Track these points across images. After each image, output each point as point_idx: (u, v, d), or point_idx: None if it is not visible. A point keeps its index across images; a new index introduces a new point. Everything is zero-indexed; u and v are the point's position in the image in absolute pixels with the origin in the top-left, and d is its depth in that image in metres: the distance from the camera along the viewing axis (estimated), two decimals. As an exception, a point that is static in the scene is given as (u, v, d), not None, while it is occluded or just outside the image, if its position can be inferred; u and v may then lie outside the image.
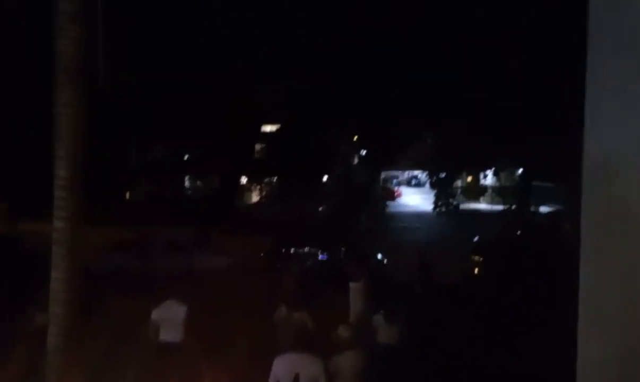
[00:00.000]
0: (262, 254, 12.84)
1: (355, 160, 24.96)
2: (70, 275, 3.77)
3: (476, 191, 31.19)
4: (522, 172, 21.64)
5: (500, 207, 24.88)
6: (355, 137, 22.83)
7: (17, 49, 10.48)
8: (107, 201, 14.58)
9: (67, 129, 3.70)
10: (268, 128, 23.99)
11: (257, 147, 24.65)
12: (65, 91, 3.71)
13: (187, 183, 25.17)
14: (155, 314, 5.71)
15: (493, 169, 25.77)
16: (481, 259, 12.10)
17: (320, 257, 12.60)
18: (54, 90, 3.77)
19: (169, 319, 5.67)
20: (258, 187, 26.09)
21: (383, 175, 33.64)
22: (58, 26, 3.68)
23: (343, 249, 12.62)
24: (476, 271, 11.94)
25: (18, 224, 12.73)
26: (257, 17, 14.76)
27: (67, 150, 3.70)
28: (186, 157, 22.59)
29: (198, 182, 25.37)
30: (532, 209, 21.48)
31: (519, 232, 16.61)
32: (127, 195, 20.70)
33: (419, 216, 26.13)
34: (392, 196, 33.71)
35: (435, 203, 25.07)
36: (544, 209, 22.13)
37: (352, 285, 6.83)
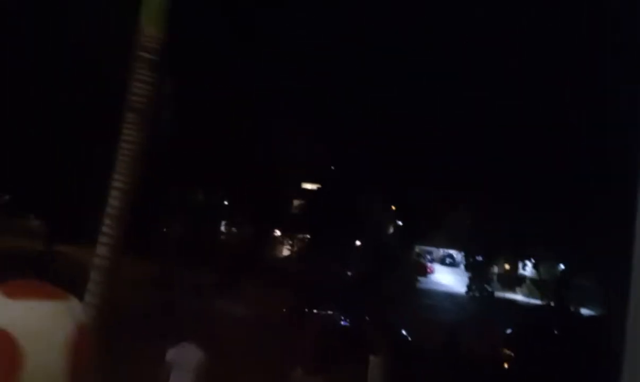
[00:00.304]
0: (284, 310, 12.63)
1: (391, 230, 24.72)
2: (102, 302, 3.83)
3: (513, 280, 29.95)
4: (564, 267, 20.66)
5: (536, 301, 23.67)
6: (394, 207, 22.74)
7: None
8: (142, 236, 14.95)
9: (127, 164, 3.92)
10: (308, 185, 24.35)
11: (295, 202, 24.95)
12: (132, 129, 3.97)
13: (222, 228, 25.57)
14: (169, 355, 5.61)
15: (533, 259, 24.80)
16: (512, 354, 11.38)
17: (342, 322, 12.24)
18: (120, 127, 4.03)
19: (182, 362, 5.54)
20: (290, 242, 26.13)
21: (417, 249, 33.01)
22: (134, 69, 4.00)
23: (367, 317, 12.23)
24: (506, 365, 11.21)
25: (53, 243, 13.14)
26: (307, 85, 15.38)
27: (124, 183, 3.90)
28: (224, 203, 23.10)
29: (233, 229, 25.72)
30: (572, 308, 20.29)
31: (556, 331, 15.62)
32: (163, 232, 21.21)
33: (450, 297, 25.18)
34: (425, 271, 32.89)
35: (469, 286, 24.19)
36: (584, 310, 20.85)
37: (373, 358, 6.55)
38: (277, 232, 25.44)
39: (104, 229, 3.87)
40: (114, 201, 3.89)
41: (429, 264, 36.31)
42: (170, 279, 12.41)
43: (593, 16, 10.57)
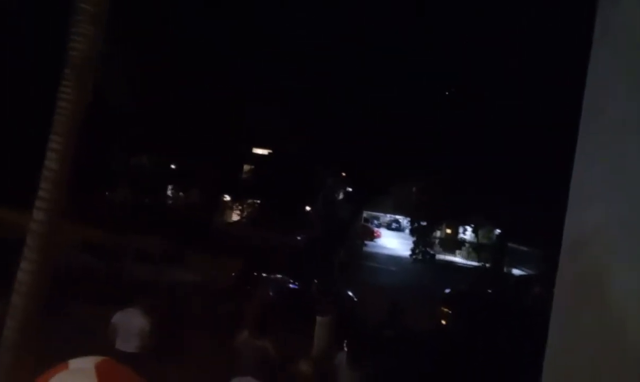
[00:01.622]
0: (232, 275, 12.64)
1: (340, 196, 25.10)
2: (38, 268, 3.66)
3: (453, 244, 31.53)
4: (499, 232, 22.00)
5: (474, 263, 25.15)
6: (343, 174, 23.03)
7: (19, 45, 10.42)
8: (85, 200, 14.30)
9: (65, 124, 3.69)
10: (258, 151, 24.04)
11: (245, 168, 24.62)
12: (70, 87, 3.72)
13: (169, 193, 24.88)
14: (115, 318, 5.54)
15: (472, 225, 26.16)
16: (450, 311, 12.12)
17: (291, 285, 12.45)
18: (58, 84, 3.77)
19: (127, 327, 5.49)
20: (240, 207, 25.93)
21: (365, 214, 33.81)
22: (73, 23, 3.71)
23: (315, 281, 12.51)
24: (444, 322, 11.93)
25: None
26: (252, 37, 15.02)
27: (62, 145, 3.67)
28: (171, 167, 22.41)
29: (180, 194, 25.09)
30: (505, 269, 21.76)
31: (489, 291, 16.75)
32: (106, 197, 20.35)
33: (395, 260, 26.19)
34: (372, 235, 33.82)
35: (413, 249, 25.23)
36: (516, 271, 22.43)
37: (319, 319, 6.73)
38: (226, 197, 25.13)
39: (41, 193, 3.66)
40: (51, 163, 3.68)
41: (376, 229, 37.37)
42: (115, 244, 12.01)
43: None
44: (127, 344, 5.34)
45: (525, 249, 21.08)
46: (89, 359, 0.83)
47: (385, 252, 29.45)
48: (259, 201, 24.30)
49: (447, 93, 16.16)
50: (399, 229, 41.31)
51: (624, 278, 1.30)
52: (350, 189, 24.37)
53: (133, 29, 11.13)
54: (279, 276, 12.89)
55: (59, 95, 3.79)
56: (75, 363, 0.82)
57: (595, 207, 1.36)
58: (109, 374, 0.79)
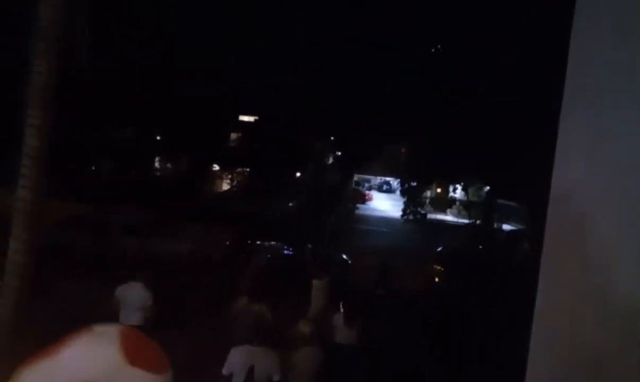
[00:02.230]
0: (226, 243, 12.72)
1: (330, 160, 25.07)
2: (29, 247, 3.65)
3: (444, 203, 31.84)
4: (489, 189, 22.27)
5: (465, 221, 25.52)
6: (332, 138, 22.93)
7: None
8: (70, 175, 14.12)
9: (40, 98, 3.60)
10: (245, 118, 23.76)
11: (233, 136, 24.37)
12: (42, 59, 3.60)
13: (156, 165, 24.64)
14: (118, 292, 5.63)
15: (461, 183, 26.38)
16: (442, 268, 12.38)
17: (285, 252, 12.59)
18: (31, 58, 3.65)
19: (130, 300, 5.58)
20: (229, 176, 25.81)
21: (356, 177, 33.91)
22: None
23: (309, 246, 12.65)
24: (437, 279, 12.21)
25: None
26: (233, 14, 14.70)
27: (39, 119, 3.59)
28: (156, 138, 22.10)
29: (167, 165, 24.87)
30: (495, 225, 22.12)
31: (480, 247, 17.09)
32: (92, 171, 20.12)
33: (387, 221, 26.48)
34: (363, 198, 34.02)
35: (404, 210, 25.46)
36: (506, 226, 22.83)
37: (315, 282, 6.87)
38: (216, 167, 24.98)
39: (23, 170, 3.61)
40: (31, 139, 3.61)
41: (367, 192, 37.57)
42: (104, 218, 11.95)
43: None
44: (130, 317, 5.43)
45: (514, 204, 21.43)
46: (113, 325, 0.87)
47: (377, 214, 29.73)
48: (248, 169, 24.21)
49: (431, 51, 16.01)
50: (389, 190, 41.55)
51: (608, 228, 1.34)
52: (339, 153, 24.35)
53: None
54: (272, 242, 13.00)
55: (31, 68, 3.66)
56: (99, 327, 0.85)
57: (579, 162, 1.39)
58: (131, 339, 0.82)
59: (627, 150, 1.27)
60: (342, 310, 6.14)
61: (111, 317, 5.45)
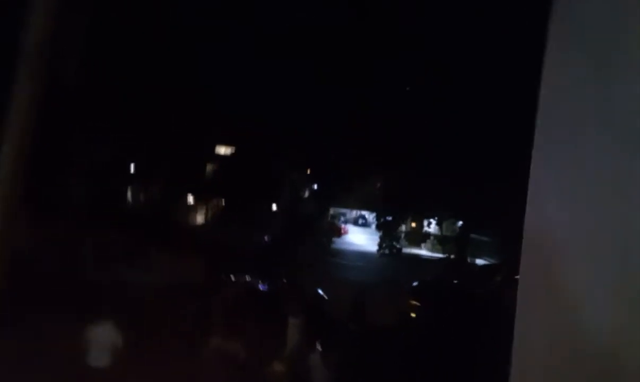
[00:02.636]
0: (198, 277, 12.40)
1: (306, 194, 25.09)
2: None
3: (419, 237, 32.11)
4: (462, 224, 22.61)
5: (439, 255, 25.72)
6: (308, 171, 23.03)
7: None
8: (41, 201, 13.66)
9: (20, 120, 3.51)
10: (221, 150, 23.68)
11: (208, 167, 24.19)
12: (26, 78, 3.54)
13: (129, 194, 24.13)
14: (87, 335, 5.39)
15: (436, 218, 26.73)
16: (418, 303, 12.35)
17: (260, 286, 12.34)
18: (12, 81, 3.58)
19: (99, 341, 5.35)
20: (204, 207, 25.46)
21: (331, 211, 33.92)
22: (25, 14, 3.54)
23: (284, 280, 12.45)
24: (413, 314, 12.15)
25: None
26: (217, 41, 14.89)
27: (16, 141, 3.50)
28: (131, 165, 21.74)
29: (140, 194, 24.39)
30: (469, 259, 22.37)
31: (455, 281, 17.18)
32: (63, 197, 19.55)
33: (362, 255, 26.42)
34: (338, 232, 33.95)
35: (380, 244, 25.52)
36: (479, 261, 23.12)
37: (291, 319, 6.72)
38: (190, 199, 24.63)
39: None
40: (4, 165, 3.49)
41: (343, 225, 37.55)
42: (76, 248, 11.53)
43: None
44: (98, 359, 5.20)
45: (486, 239, 21.77)
46: None
47: (353, 248, 29.67)
48: (223, 201, 23.96)
49: (407, 89, 16.48)
50: (365, 224, 41.68)
51: (581, 263, 1.36)
52: (315, 186, 24.44)
53: (94, 19, 10.75)
54: (247, 277, 12.75)
55: (15, 88, 3.57)
56: None
57: (552, 198, 1.42)
58: None
59: (599, 184, 1.30)
60: (318, 348, 6.01)
61: (81, 356, 5.20)
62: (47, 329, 6.77)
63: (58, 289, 9.23)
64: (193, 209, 25.51)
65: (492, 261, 20.92)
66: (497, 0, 11.02)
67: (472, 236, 22.22)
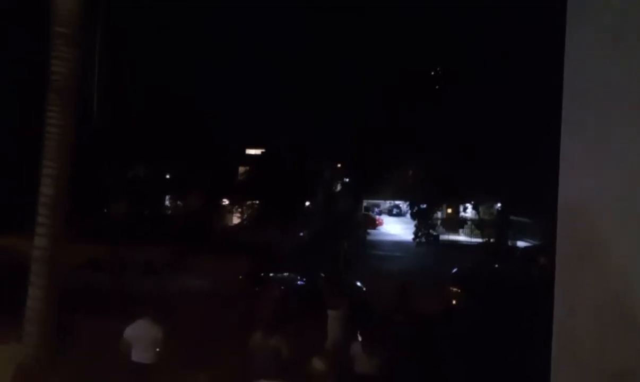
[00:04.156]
0: (240, 277, 12.67)
1: (339, 188, 25.12)
2: (47, 294, 3.69)
3: (455, 223, 31.55)
4: (500, 206, 22.08)
5: (478, 240, 25.21)
6: (339, 165, 23.04)
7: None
8: (85, 218, 14.32)
9: (56, 149, 3.69)
10: (252, 151, 24.02)
11: (241, 169, 24.61)
12: (56, 111, 3.72)
13: (167, 203, 24.89)
14: (127, 332, 5.59)
15: (472, 202, 26.20)
16: (459, 290, 12.17)
17: (299, 282, 12.48)
18: (45, 110, 3.77)
19: (141, 338, 5.54)
20: (239, 210, 25.93)
21: (365, 203, 33.84)
22: (52, 47, 3.71)
23: (322, 275, 12.55)
24: (454, 301, 11.99)
25: None
26: (242, 44, 15.12)
27: (54, 169, 3.68)
28: (167, 176, 22.43)
29: (178, 203, 25.09)
30: (510, 242, 21.83)
31: (496, 265, 16.81)
32: (106, 213, 20.39)
33: (399, 245, 26.24)
34: (374, 224, 33.86)
35: (416, 233, 25.25)
36: (520, 243, 22.51)
37: (330, 312, 6.78)
38: (225, 201, 25.14)
39: (40, 219, 3.68)
40: (47, 188, 3.69)
41: (377, 217, 37.41)
42: (120, 260, 12.06)
43: None
44: (143, 355, 5.39)
45: (527, 220, 21.16)
46: None
47: (389, 238, 29.51)
48: (258, 201, 24.32)
49: (436, 73, 16.21)
50: (400, 214, 41.31)
51: (619, 233, 1.33)
52: (348, 180, 24.42)
53: (119, 44, 11.17)
54: (286, 274, 12.91)
55: (47, 121, 3.76)
56: None
57: (584, 171, 1.40)
58: None
59: (629, 153, 1.28)
60: (360, 339, 6.04)
61: (124, 357, 5.43)
62: (99, 337, 7.10)
63: (108, 301, 9.67)
64: (230, 212, 26.05)
65: (534, 242, 20.34)
66: None
67: (512, 217, 21.66)
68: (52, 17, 3.77)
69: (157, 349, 5.52)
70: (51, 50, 3.76)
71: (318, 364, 4.87)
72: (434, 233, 25.93)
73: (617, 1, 1.30)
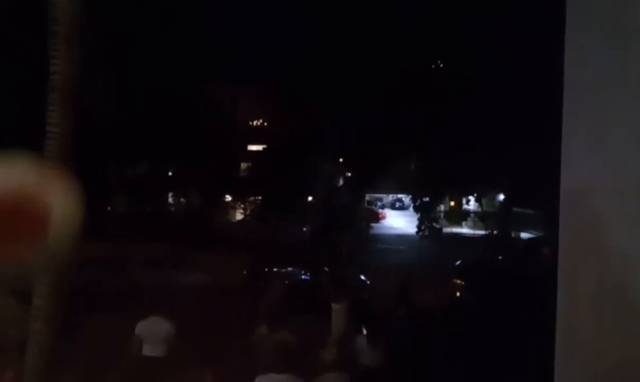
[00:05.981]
0: (244, 273, 12.72)
1: (341, 182, 25.11)
2: (54, 291, 3.72)
3: (459, 216, 31.53)
4: (503, 198, 22.05)
5: (481, 232, 25.20)
6: (341, 159, 23.03)
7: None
8: (88, 216, 14.34)
9: (57, 148, 3.72)
10: (253, 147, 24.02)
11: (242, 165, 24.63)
12: (57, 111, 3.74)
13: (169, 200, 24.96)
14: (138, 329, 5.68)
15: (475, 194, 26.16)
16: (463, 282, 12.19)
17: (302, 277, 12.53)
18: (45, 109, 3.80)
19: (152, 334, 5.62)
20: (242, 205, 25.98)
21: (367, 197, 33.83)
22: (51, 46, 3.72)
23: (326, 269, 12.58)
24: (458, 294, 12.01)
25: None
26: (243, 35, 15.07)
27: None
28: (168, 173, 22.48)
29: (181, 199, 25.16)
30: (513, 234, 21.81)
31: (499, 257, 16.82)
32: (108, 210, 20.46)
33: (402, 238, 26.27)
34: (377, 217, 33.86)
35: (419, 226, 25.23)
36: (524, 234, 22.50)
37: (334, 306, 6.81)
38: (227, 198, 25.18)
39: None
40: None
41: (380, 210, 37.41)
42: (125, 257, 12.13)
43: None
44: (154, 350, 5.48)
45: (530, 211, 21.12)
46: None
47: (392, 232, 29.54)
48: (260, 197, 24.35)
49: (437, 66, 16.15)
50: (402, 207, 41.27)
51: (622, 224, 1.34)
52: (349, 174, 24.41)
53: (115, 39, 11.16)
54: (289, 268, 12.96)
55: (48, 121, 3.79)
56: None
57: (586, 161, 1.40)
58: None
59: (631, 143, 1.28)
60: (364, 332, 6.07)
61: (135, 353, 5.49)
62: (100, 327, 7.16)
63: (109, 292, 9.74)
64: (232, 208, 26.11)
65: (537, 234, 20.32)
66: None
67: (515, 209, 21.62)
68: (51, 16, 3.79)
69: (165, 344, 5.60)
70: (51, 50, 3.78)
71: (323, 357, 4.90)
72: (437, 226, 25.88)
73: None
